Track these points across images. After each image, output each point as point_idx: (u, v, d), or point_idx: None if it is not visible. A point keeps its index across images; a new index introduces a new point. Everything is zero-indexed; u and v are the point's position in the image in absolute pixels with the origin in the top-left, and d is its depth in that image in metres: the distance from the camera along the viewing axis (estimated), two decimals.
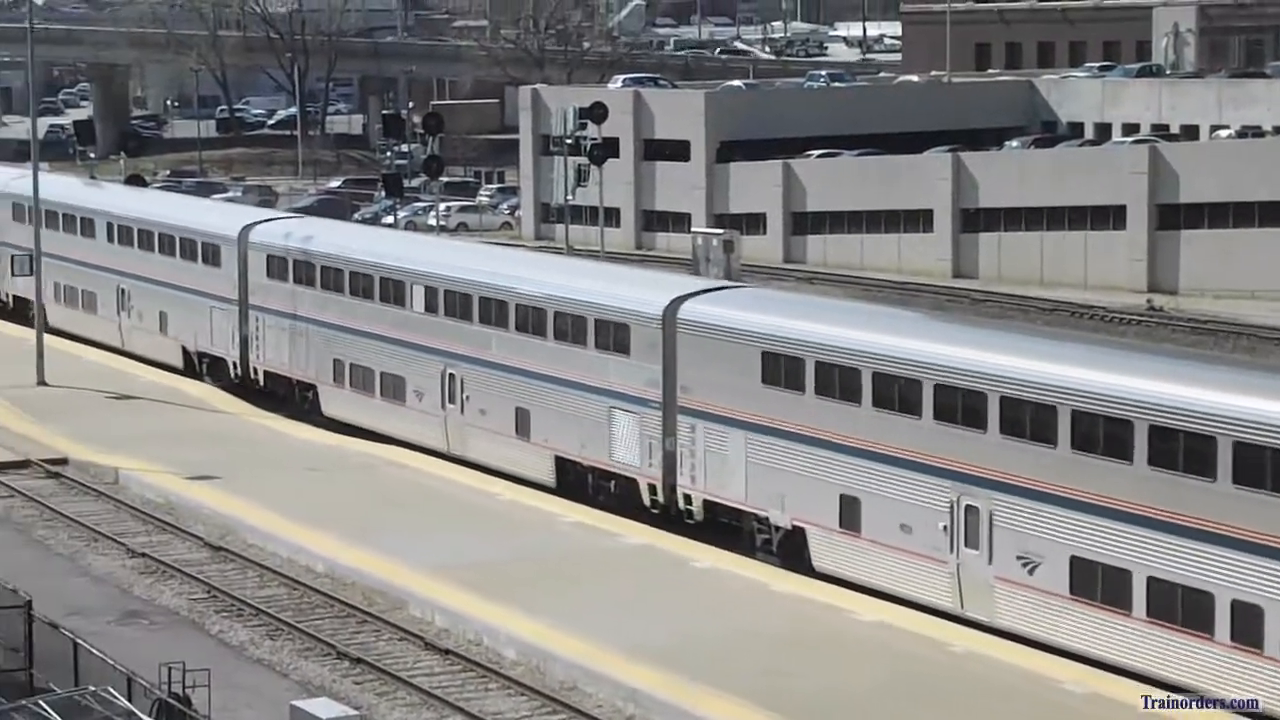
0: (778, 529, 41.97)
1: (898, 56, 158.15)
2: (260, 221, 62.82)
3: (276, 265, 59.50)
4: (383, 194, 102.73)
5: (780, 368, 41.78)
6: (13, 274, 70.67)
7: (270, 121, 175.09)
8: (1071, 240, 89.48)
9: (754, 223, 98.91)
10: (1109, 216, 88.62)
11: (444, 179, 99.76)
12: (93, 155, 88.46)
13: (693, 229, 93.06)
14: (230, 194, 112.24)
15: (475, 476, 48.95)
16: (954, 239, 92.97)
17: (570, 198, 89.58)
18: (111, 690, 28.92)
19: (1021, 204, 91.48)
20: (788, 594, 38.62)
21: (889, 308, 58.04)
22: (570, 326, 47.95)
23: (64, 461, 51.35)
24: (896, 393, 38.90)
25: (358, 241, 59.98)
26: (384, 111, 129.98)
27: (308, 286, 57.82)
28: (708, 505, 44.03)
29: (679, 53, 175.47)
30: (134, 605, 39.50)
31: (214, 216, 66.98)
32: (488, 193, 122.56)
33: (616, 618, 37.07)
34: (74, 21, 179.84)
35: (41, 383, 60.54)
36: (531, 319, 49.33)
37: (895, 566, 38.76)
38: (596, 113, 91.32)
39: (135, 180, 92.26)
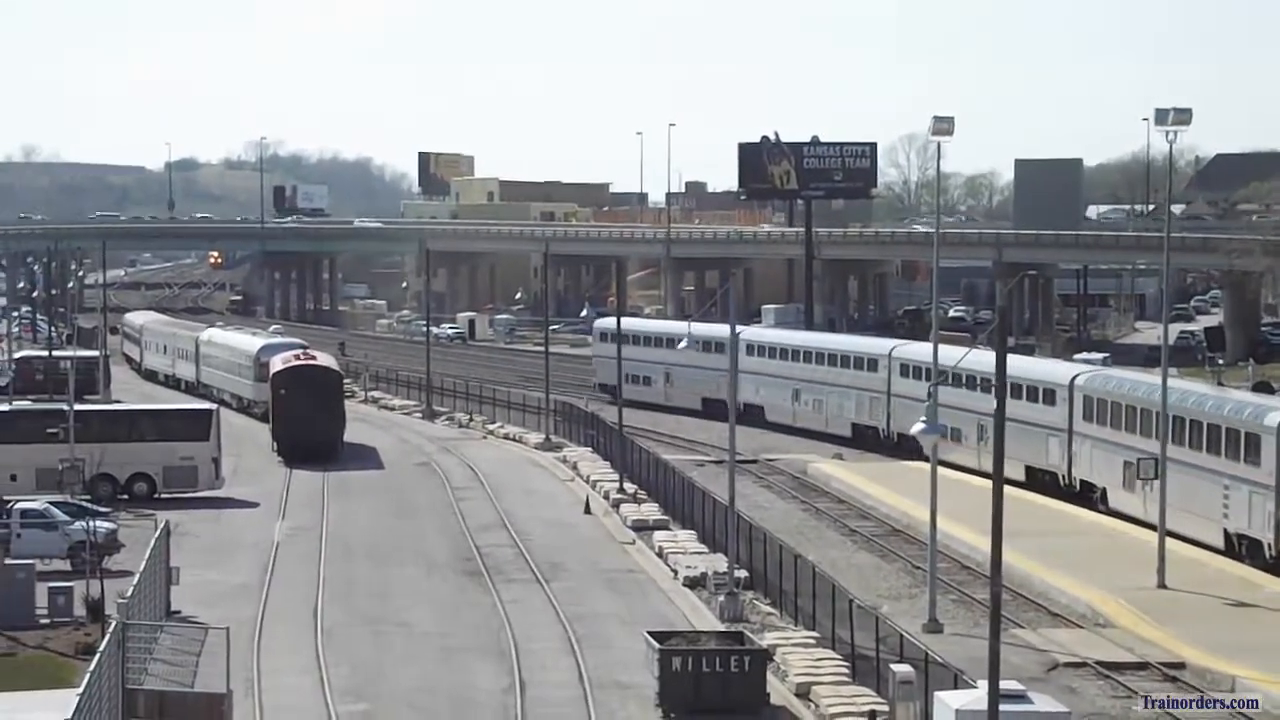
0: None
1: None
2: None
3: None
4: None
5: None
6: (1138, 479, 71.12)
7: None
8: None
9: None
10: None
11: None
12: (1220, 361, 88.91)
13: None
14: None
15: None
16: None
17: None
18: None
19: None
20: None
21: None
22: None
23: (1181, 666, 51.61)
24: None
25: None
26: None
27: None
28: None
29: None
30: None
31: None
32: None
33: None
34: (1209, 230, 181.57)
35: (1162, 585, 61.19)
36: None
37: None
38: None
39: (1262, 387, 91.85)
